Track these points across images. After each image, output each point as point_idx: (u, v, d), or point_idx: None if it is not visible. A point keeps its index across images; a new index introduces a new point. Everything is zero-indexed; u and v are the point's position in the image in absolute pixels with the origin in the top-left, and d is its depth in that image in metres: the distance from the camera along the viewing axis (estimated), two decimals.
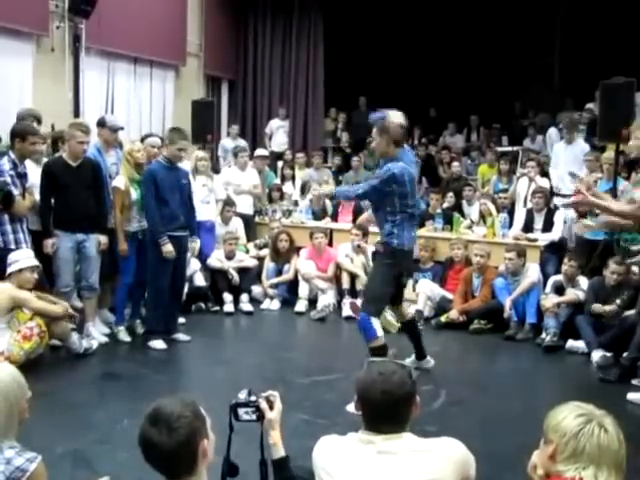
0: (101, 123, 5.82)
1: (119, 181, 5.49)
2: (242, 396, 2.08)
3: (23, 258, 4.74)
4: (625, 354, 4.86)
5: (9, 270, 4.66)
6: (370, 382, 2.00)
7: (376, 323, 4.29)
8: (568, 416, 1.65)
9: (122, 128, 6.18)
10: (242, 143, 9.59)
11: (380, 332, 4.27)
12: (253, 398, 2.08)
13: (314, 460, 2.08)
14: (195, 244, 5.71)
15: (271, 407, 2.15)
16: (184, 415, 1.73)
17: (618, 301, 5.35)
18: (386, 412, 1.98)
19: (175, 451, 1.71)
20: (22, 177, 5.01)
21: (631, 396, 4.44)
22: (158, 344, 5.38)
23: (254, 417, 2.10)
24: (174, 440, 1.70)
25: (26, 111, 5.88)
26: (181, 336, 5.61)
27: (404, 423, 2.01)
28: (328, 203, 8.31)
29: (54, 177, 5.16)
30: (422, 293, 6.44)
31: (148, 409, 1.77)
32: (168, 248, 5.23)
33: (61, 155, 5.42)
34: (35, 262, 4.80)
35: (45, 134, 5.80)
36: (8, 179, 4.81)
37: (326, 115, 11.83)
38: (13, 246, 4.85)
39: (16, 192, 4.87)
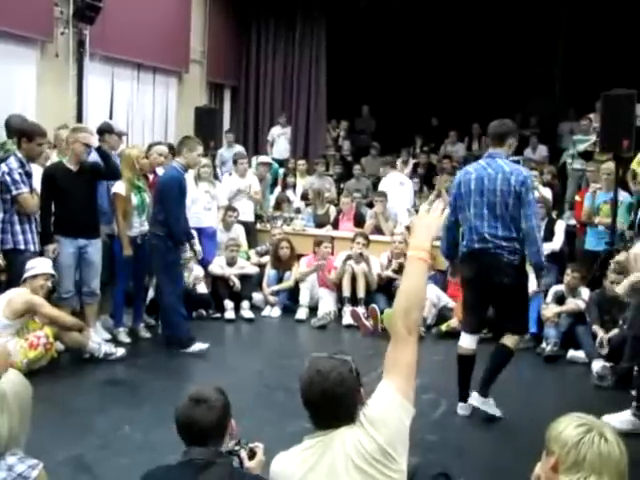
0: (108, 129, 5.82)
1: (119, 187, 5.49)
2: (228, 445, 2.21)
3: (40, 265, 4.83)
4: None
5: (25, 275, 4.75)
6: (308, 382, 1.98)
7: None
8: (568, 426, 1.65)
9: (126, 134, 6.22)
10: (237, 150, 9.37)
11: None
12: (236, 448, 2.23)
13: None
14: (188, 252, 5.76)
15: (252, 457, 2.22)
16: (218, 397, 2.16)
17: (621, 321, 5.32)
18: (327, 410, 1.97)
19: (212, 424, 2.09)
20: (29, 176, 5.02)
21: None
22: (198, 346, 5.39)
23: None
24: (213, 415, 2.10)
25: (17, 117, 5.87)
26: (199, 345, 5.43)
27: (350, 416, 1.99)
28: (332, 209, 8.32)
29: (54, 182, 5.15)
30: (428, 299, 6.39)
31: (189, 395, 2.15)
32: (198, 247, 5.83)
33: (61, 160, 5.41)
34: (50, 271, 4.88)
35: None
36: (17, 177, 4.84)
37: (328, 123, 11.86)
38: (22, 246, 4.89)
39: (25, 190, 4.90)
